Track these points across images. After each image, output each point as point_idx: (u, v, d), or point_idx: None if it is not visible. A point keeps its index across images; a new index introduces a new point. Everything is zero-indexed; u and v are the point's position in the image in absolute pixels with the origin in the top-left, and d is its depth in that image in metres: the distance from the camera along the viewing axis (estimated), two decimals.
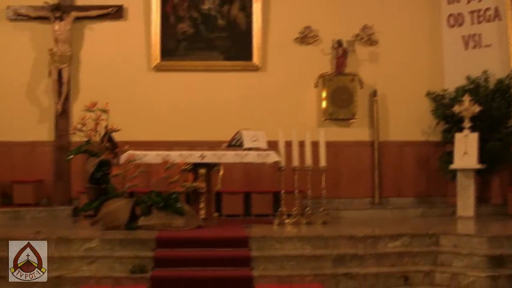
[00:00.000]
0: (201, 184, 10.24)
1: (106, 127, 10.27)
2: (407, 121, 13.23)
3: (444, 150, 12.79)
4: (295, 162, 10.72)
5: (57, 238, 8.66)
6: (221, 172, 10.80)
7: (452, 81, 12.82)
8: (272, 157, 10.44)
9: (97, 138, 10.23)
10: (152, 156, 10.19)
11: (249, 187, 12.80)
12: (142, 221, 9.67)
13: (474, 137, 11.67)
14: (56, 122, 12.87)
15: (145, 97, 13.06)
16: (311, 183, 10.78)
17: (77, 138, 10.48)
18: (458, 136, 11.79)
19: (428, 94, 13.09)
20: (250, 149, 10.45)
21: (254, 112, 12.93)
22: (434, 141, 13.14)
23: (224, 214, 12.18)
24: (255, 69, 13.18)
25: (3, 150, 12.81)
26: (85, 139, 10.24)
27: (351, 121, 13.18)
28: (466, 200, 11.54)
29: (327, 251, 8.63)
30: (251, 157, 10.42)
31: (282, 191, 10.68)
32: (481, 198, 12.22)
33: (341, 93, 13.06)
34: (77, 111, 12.12)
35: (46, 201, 12.82)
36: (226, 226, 10.38)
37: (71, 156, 10.74)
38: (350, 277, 8.15)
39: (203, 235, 9.12)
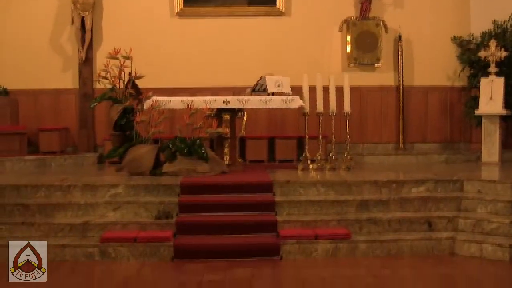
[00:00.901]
0: (225, 130, 10.25)
1: (129, 73, 10.26)
2: (432, 66, 13.13)
3: (469, 95, 12.70)
4: (319, 107, 10.68)
5: (82, 185, 8.75)
6: (245, 118, 10.81)
7: (478, 26, 12.65)
8: (296, 102, 10.39)
9: (121, 85, 10.23)
10: (176, 102, 10.20)
11: (273, 133, 12.82)
12: (166, 167, 9.73)
13: (500, 83, 11.57)
14: (80, 70, 12.90)
15: (168, 44, 13.03)
16: (335, 129, 10.76)
17: (101, 85, 10.46)
18: (483, 82, 11.67)
19: (454, 39, 12.97)
20: (274, 94, 10.40)
21: (278, 57, 12.87)
22: (459, 86, 13.07)
23: (248, 160, 12.25)
24: (279, 14, 13.06)
25: (29, 99, 12.90)
26: (109, 86, 10.24)
27: (375, 66, 13.08)
28: (491, 146, 11.48)
29: (351, 196, 8.63)
30: (275, 102, 10.37)
31: (306, 137, 10.67)
32: (506, 144, 12.16)
33: (365, 38, 12.96)
34: (100, 58, 12.09)
35: (71, 149, 12.96)
36: (250, 172, 10.42)
37: (95, 104, 10.77)
38: (373, 222, 8.16)
39: (227, 181, 9.14)
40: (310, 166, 10.54)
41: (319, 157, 10.60)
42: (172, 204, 8.37)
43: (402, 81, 12.98)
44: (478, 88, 11.88)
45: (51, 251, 7.55)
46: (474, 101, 12.07)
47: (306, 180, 9.04)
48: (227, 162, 10.35)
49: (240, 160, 10.93)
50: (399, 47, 12.99)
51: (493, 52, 11.67)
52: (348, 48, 13.00)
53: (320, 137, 10.72)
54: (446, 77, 13.15)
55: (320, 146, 10.74)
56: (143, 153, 9.76)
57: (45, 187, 8.71)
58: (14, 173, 10.69)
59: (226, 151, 10.46)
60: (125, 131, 10.14)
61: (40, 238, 7.84)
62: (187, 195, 8.63)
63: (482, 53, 11.84)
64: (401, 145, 12.98)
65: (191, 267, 7.27)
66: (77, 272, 7.19)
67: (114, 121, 10.08)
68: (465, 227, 8.13)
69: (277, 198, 8.52)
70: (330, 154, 10.77)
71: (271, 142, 12.63)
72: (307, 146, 10.66)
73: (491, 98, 11.51)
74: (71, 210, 8.38)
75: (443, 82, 13.17)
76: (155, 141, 10.48)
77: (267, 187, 8.78)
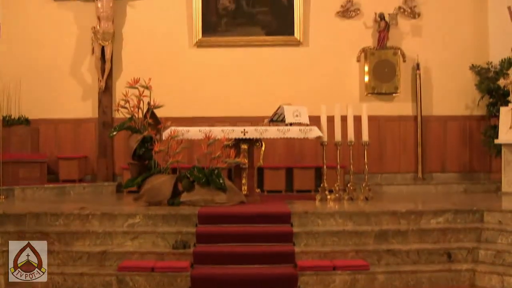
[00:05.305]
0: (243, 160, 10.24)
1: (148, 103, 10.31)
2: (451, 95, 13.13)
3: (488, 124, 12.64)
4: (337, 137, 10.66)
5: (101, 214, 8.78)
6: (263, 148, 10.78)
7: (497, 54, 12.64)
8: (314, 132, 10.38)
9: (140, 115, 10.28)
10: (194, 132, 10.22)
11: (291, 163, 12.83)
12: (184, 196, 9.74)
13: None
14: (100, 99, 13.04)
15: (186, 73, 13.17)
16: (353, 158, 10.73)
17: (120, 114, 10.53)
18: (503, 110, 11.57)
19: (472, 67, 12.97)
20: (292, 124, 10.39)
21: (296, 87, 12.94)
22: (478, 115, 13.05)
23: (266, 190, 12.25)
24: (297, 43, 13.15)
25: (49, 127, 13.08)
26: (128, 116, 10.30)
27: (393, 95, 13.09)
28: (511, 175, 11.35)
29: (369, 227, 8.58)
30: (293, 132, 10.36)
31: (324, 167, 10.64)
32: None
33: (383, 67, 12.98)
34: (120, 87, 12.24)
35: (90, 177, 13.04)
36: (268, 202, 10.40)
37: (115, 133, 10.80)
38: (392, 253, 8.09)
39: (245, 211, 9.12)
40: (328, 197, 10.51)
41: (337, 188, 10.57)
42: (189, 234, 8.36)
43: (421, 111, 12.96)
44: (497, 117, 11.78)
45: (69, 279, 7.63)
46: (494, 130, 12.00)
47: (324, 211, 8.99)
48: (245, 192, 10.33)
49: (258, 190, 10.90)
50: (417, 76, 13.01)
51: None
52: (366, 78, 13.04)
53: (338, 167, 10.68)
54: (464, 106, 13.14)
55: (338, 176, 10.70)
56: (161, 183, 9.78)
57: (64, 215, 8.74)
58: (34, 200, 10.78)
59: (244, 181, 10.44)
60: (144, 160, 10.17)
61: (58, 266, 7.90)
62: (205, 225, 8.62)
63: (501, 81, 11.75)
64: (420, 174, 12.93)
65: None
66: None
67: (133, 150, 10.11)
68: (486, 259, 8.03)
69: (295, 229, 8.48)
70: (348, 185, 10.72)
71: (289, 172, 12.63)
72: (325, 177, 10.63)
73: (510, 127, 11.40)
74: (89, 239, 8.40)
75: (462, 111, 13.16)
76: (173, 170, 10.50)
77: (285, 218, 8.75)
